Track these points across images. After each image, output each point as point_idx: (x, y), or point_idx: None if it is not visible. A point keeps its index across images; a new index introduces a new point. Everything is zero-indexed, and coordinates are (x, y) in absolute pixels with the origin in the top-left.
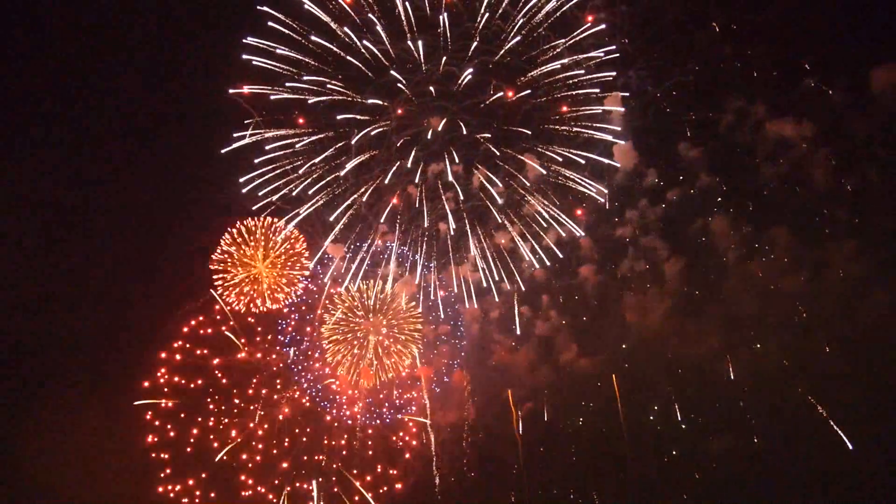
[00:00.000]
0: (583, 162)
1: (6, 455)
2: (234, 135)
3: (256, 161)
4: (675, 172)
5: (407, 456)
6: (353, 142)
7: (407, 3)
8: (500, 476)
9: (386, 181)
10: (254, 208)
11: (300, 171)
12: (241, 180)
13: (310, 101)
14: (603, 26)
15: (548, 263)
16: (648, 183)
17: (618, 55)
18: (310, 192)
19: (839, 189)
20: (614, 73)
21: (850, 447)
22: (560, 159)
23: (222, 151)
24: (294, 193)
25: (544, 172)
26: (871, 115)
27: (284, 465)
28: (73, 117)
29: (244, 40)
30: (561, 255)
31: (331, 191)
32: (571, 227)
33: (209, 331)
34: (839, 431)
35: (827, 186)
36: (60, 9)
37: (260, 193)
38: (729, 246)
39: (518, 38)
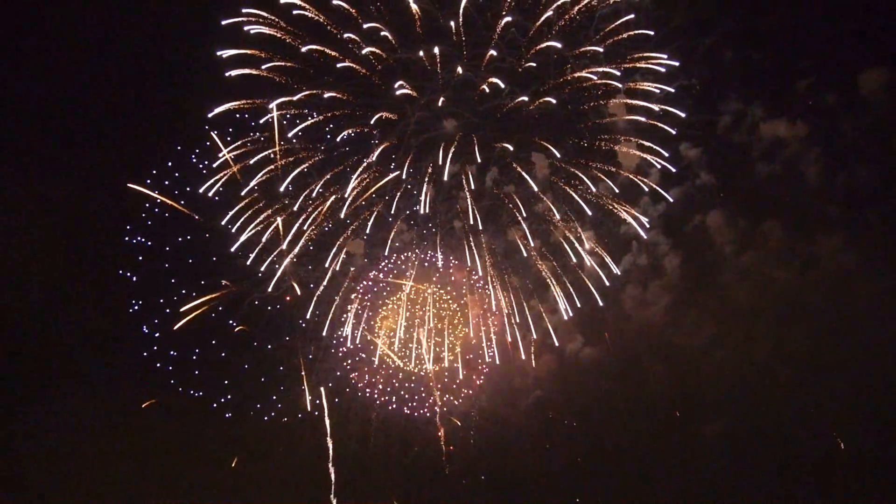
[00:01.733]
0: (616, 190)
1: (7, 456)
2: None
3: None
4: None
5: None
6: (371, 157)
7: (417, 8)
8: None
9: (395, 203)
10: (233, 248)
11: (295, 208)
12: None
13: (308, 123)
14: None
15: (579, 305)
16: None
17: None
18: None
19: (831, 185)
20: (672, 90)
21: (842, 446)
22: (594, 189)
23: (201, 191)
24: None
25: (587, 209)
26: (860, 115)
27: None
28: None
29: (218, 53)
30: (570, 250)
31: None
32: (609, 263)
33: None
34: (833, 434)
35: (819, 183)
36: None
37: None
38: (726, 240)
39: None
